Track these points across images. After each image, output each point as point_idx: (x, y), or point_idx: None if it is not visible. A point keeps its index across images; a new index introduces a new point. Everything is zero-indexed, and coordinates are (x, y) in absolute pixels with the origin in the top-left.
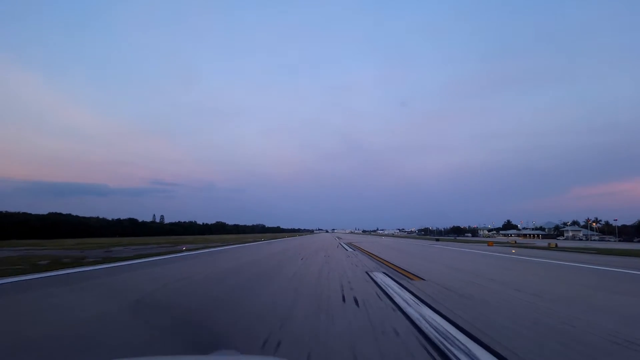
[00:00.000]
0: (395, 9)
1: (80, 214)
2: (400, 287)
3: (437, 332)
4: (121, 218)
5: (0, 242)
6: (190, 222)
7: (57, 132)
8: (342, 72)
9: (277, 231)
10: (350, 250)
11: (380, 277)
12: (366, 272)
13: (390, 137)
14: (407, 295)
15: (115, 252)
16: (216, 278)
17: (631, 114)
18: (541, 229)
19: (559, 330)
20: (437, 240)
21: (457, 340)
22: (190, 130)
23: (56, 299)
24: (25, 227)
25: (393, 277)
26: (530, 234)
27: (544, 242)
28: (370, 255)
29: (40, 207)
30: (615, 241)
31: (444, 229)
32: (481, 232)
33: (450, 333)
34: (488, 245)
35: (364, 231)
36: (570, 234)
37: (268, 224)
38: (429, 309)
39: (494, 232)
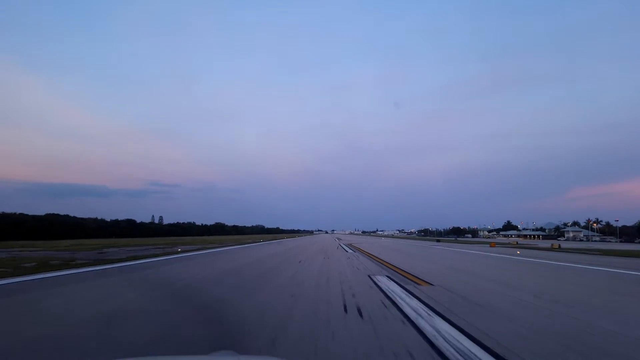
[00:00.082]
0: (395, 9)
1: (80, 215)
2: (407, 293)
3: (460, 355)
4: (119, 219)
5: None
6: (189, 223)
7: (56, 133)
8: (342, 73)
9: (276, 232)
10: (351, 251)
11: (384, 282)
12: (368, 276)
13: (390, 138)
14: (416, 304)
15: (109, 254)
16: (205, 283)
17: (631, 114)
18: (541, 229)
19: (610, 352)
20: (438, 241)
21: None
22: (189, 130)
23: (14, 308)
24: (22, 228)
25: (398, 281)
26: (530, 235)
27: (546, 243)
28: (372, 257)
29: (40, 208)
30: (616, 242)
31: (443, 229)
32: (481, 233)
33: (476, 356)
34: (490, 246)
35: (363, 232)
36: (571, 234)
37: (268, 225)
38: (444, 321)
39: (494, 232)
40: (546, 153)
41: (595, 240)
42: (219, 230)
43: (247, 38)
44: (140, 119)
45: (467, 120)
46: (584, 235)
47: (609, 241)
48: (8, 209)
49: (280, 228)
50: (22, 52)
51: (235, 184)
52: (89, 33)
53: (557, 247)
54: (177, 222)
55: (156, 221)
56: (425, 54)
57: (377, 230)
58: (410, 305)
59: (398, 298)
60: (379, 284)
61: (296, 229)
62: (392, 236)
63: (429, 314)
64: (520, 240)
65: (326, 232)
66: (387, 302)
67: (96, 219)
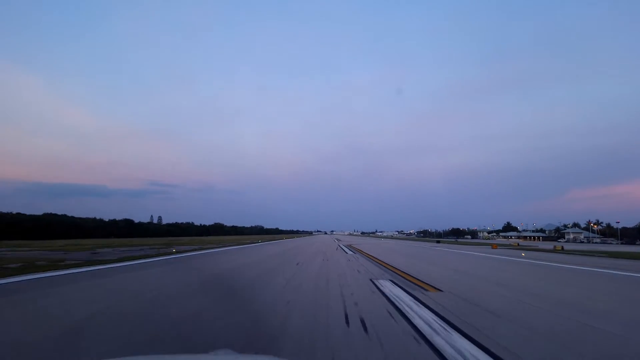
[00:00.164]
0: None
1: (80, 215)
2: (414, 300)
3: None
4: (117, 219)
5: None
6: (188, 223)
7: (56, 133)
8: (342, 74)
9: (275, 233)
10: (351, 253)
11: (388, 287)
12: (371, 280)
13: (389, 139)
14: (428, 314)
15: (101, 254)
16: (194, 288)
17: (631, 115)
18: (542, 231)
19: None
20: (438, 242)
21: None
22: (189, 131)
23: None
24: (19, 228)
25: (403, 286)
26: (530, 236)
27: (547, 245)
28: (372, 258)
29: (40, 208)
30: (617, 244)
31: (443, 230)
32: (481, 234)
33: None
34: (492, 247)
35: (362, 233)
36: (572, 236)
37: (267, 226)
38: (465, 339)
39: (494, 234)
40: (546, 154)
41: (595, 242)
42: (217, 231)
43: (246, 38)
44: (140, 119)
45: (467, 121)
46: (584, 237)
47: (610, 243)
48: (8, 209)
49: (280, 229)
50: (21, 52)
51: (235, 184)
52: (89, 33)
53: (559, 248)
54: (176, 223)
55: (155, 221)
56: (425, 55)
57: (376, 231)
58: (420, 316)
59: (405, 306)
60: (383, 289)
61: (295, 229)
62: (392, 237)
63: (445, 329)
64: (521, 242)
65: (325, 233)
66: (393, 311)
67: (94, 218)
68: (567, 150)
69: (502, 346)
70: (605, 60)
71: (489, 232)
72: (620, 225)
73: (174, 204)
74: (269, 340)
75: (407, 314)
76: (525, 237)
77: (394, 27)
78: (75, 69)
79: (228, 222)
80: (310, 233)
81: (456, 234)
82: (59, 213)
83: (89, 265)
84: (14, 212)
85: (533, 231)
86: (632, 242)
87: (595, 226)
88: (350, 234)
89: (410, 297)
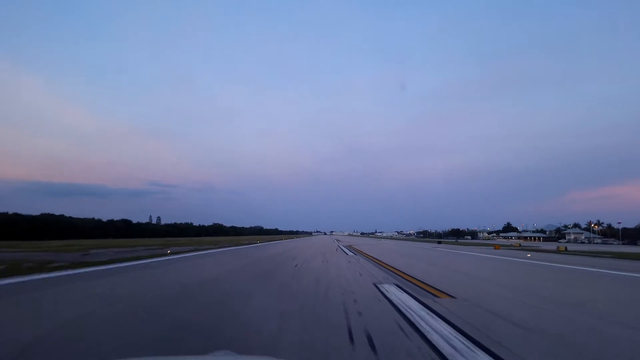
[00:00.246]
0: (394, 10)
1: (79, 215)
2: (426, 310)
3: None
4: (114, 219)
5: None
6: (187, 224)
7: (56, 133)
8: (341, 74)
9: (274, 233)
10: (351, 254)
11: (394, 293)
12: (374, 285)
13: (389, 139)
14: (444, 328)
15: (92, 256)
16: (179, 294)
17: (631, 115)
18: (542, 231)
19: None
20: (439, 242)
21: None
22: (188, 131)
23: None
24: (15, 229)
25: (410, 292)
26: (531, 237)
27: (549, 245)
28: (374, 260)
29: (39, 209)
30: (618, 244)
31: (442, 231)
32: (481, 235)
33: None
34: (495, 248)
35: (362, 233)
36: (572, 236)
37: (266, 226)
38: None
39: (494, 234)
40: (546, 154)
41: (597, 243)
42: (217, 231)
43: (245, 39)
44: (140, 119)
45: (466, 122)
46: (585, 238)
47: (611, 243)
48: (8, 209)
49: (279, 229)
50: (21, 52)
51: (235, 185)
52: (89, 33)
53: (563, 249)
54: (175, 223)
55: (154, 221)
56: (424, 55)
57: (375, 232)
58: (436, 329)
59: (417, 317)
60: (389, 295)
61: (295, 230)
62: (391, 237)
63: (469, 347)
64: (522, 242)
65: (325, 234)
66: (404, 324)
67: (92, 219)
68: (567, 150)
69: None
70: (604, 60)
71: (489, 233)
72: (620, 226)
73: (173, 204)
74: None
75: (420, 327)
76: (525, 238)
77: (394, 28)
78: (75, 68)
79: (227, 223)
80: (309, 234)
81: (456, 235)
82: (59, 213)
83: (71, 268)
84: (11, 212)
85: (533, 232)
86: (633, 243)
87: (596, 227)
88: (349, 235)
89: (420, 306)
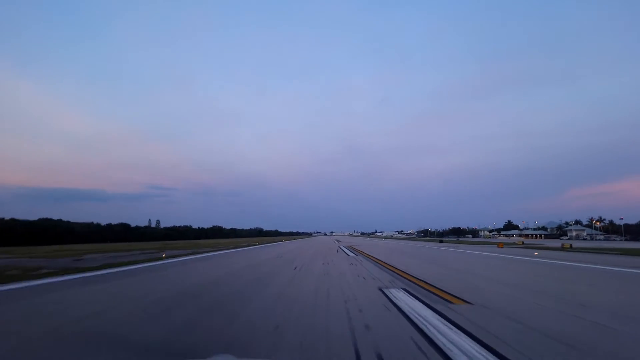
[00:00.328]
0: (393, 11)
1: (78, 220)
2: (443, 320)
3: None
4: (112, 223)
5: None
6: (186, 227)
7: (55, 137)
8: (341, 74)
9: (274, 234)
10: (352, 255)
11: (403, 300)
12: (380, 290)
13: (388, 139)
14: (467, 343)
15: (85, 261)
16: (165, 304)
17: (629, 112)
18: (543, 229)
19: None
20: (441, 241)
21: None
22: (189, 134)
23: None
24: (12, 234)
25: (420, 297)
26: (532, 234)
27: (552, 243)
28: (377, 261)
29: (39, 214)
30: (621, 240)
31: (443, 230)
32: (482, 233)
33: None
34: (498, 246)
35: (362, 233)
36: (574, 233)
37: (266, 228)
38: None
39: (495, 232)
40: (546, 152)
41: (599, 239)
42: (216, 234)
43: (245, 41)
44: (140, 123)
45: (466, 121)
46: (587, 234)
47: (614, 240)
48: (7, 215)
49: (279, 230)
50: (18, 55)
51: (234, 186)
52: (87, 37)
53: (568, 246)
54: (174, 226)
55: (153, 225)
56: (423, 55)
57: (375, 232)
58: (458, 345)
59: (434, 330)
60: (397, 302)
61: (295, 231)
62: (392, 237)
63: None
64: (524, 240)
65: (325, 234)
66: (419, 339)
67: (91, 223)
68: (566, 148)
69: None
70: (603, 59)
71: (490, 231)
72: (622, 222)
73: (173, 207)
74: None
75: (438, 342)
76: (526, 236)
77: (393, 28)
78: (73, 71)
79: (227, 225)
80: (309, 234)
81: (457, 234)
82: (58, 218)
83: (58, 275)
84: (8, 218)
85: (534, 229)
86: (635, 239)
87: (598, 223)
88: (349, 235)
89: (435, 315)
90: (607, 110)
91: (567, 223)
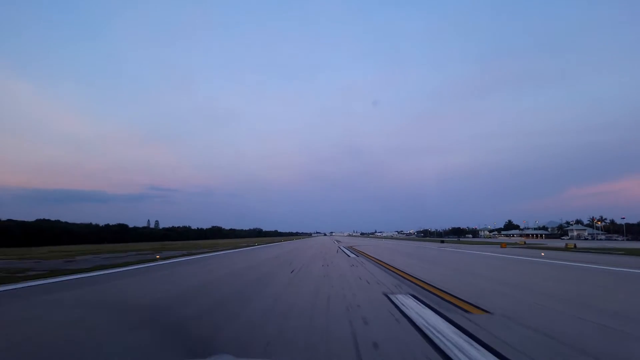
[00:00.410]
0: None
1: (78, 221)
2: (460, 333)
3: None
4: (111, 224)
5: None
6: (185, 227)
7: (55, 139)
8: (340, 75)
9: (274, 235)
10: (353, 256)
11: (413, 308)
12: (386, 296)
13: (388, 139)
14: None
15: (78, 263)
16: (135, 317)
17: (629, 112)
18: (544, 228)
19: None
20: (442, 242)
21: None
22: (188, 134)
23: None
24: (8, 235)
25: (432, 305)
26: (532, 234)
27: (554, 243)
28: (379, 262)
29: (39, 215)
30: (622, 240)
31: (443, 230)
32: (482, 233)
33: None
34: (501, 247)
35: (362, 234)
36: (575, 233)
37: (266, 228)
38: None
39: (495, 232)
40: (546, 152)
41: (600, 239)
42: (215, 234)
43: (244, 42)
44: (139, 123)
45: (465, 120)
46: (588, 234)
47: (615, 239)
48: (5, 216)
49: (279, 231)
50: (16, 56)
51: (234, 187)
52: (87, 38)
53: (572, 246)
54: (172, 227)
55: (152, 225)
56: (423, 55)
57: (375, 232)
58: None
59: (454, 348)
60: (407, 311)
61: (294, 231)
62: (392, 237)
63: None
64: (527, 240)
65: (324, 235)
66: (437, 359)
67: (89, 224)
68: (566, 147)
69: None
70: (603, 58)
71: (490, 231)
72: (624, 222)
73: (173, 208)
74: None
75: None
76: (527, 235)
77: (393, 28)
78: (71, 72)
79: (227, 225)
80: (309, 235)
81: (457, 233)
82: (56, 219)
83: (43, 278)
84: (5, 219)
85: (535, 229)
86: (637, 238)
87: (599, 222)
88: (349, 235)
89: (452, 328)
90: (607, 109)
91: (567, 223)
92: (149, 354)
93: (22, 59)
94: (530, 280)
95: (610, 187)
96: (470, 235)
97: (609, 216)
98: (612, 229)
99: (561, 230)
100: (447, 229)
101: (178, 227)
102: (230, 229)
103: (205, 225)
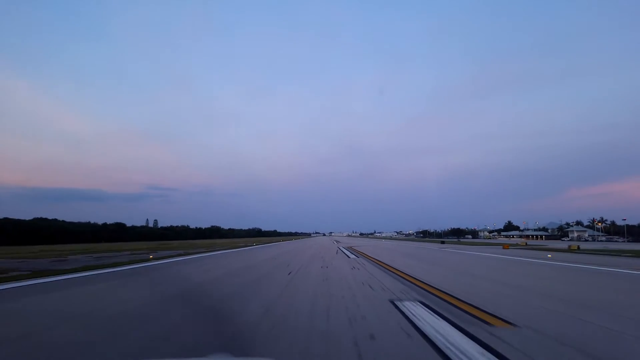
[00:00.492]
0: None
1: (77, 220)
2: (486, 352)
3: None
4: (109, 223)
5: None
6: (184, 227)
7: (53, 138)
8: (340, 75)
9: (273, 235)
10: (354, 257)
11: (424, 318)
12: (392, 304)
13: (388, 140)
14: None
15: (67, 262)
16: (109, 328)
17: (630, 112)
18: (544, 229)
19: None
20: (443, 242)
21: None
22: (188, 134)
23: None
24: (4, 233)
25: (446, 315)
26: (532, 235)
27: (557, 244)
28: (381, 264)
29: (37, 214)
30: (623, 241)
31: (442, 230)
32: (481, 234)
33: None
34: (503, 248)
35: (361, 234)
36: (576, 234)
37: (265, 228)
38: None
39: (495, 233)
40: (545, 153)
41: (601, 240)
42: (214, 234)
43: (243, 42)
44: (138, 123)
45: (465, 121)
46: (589, 235)
47: (616, 241)
48: (4, 215)
49: (278, 231)
50: (16, 55)
51: (233, 187)
52: (86, 37)
53: (575, 248)
54: (171, 226)
55: (150, 225)
56: (423, 55)
57: (374, 232)
58: None
59: None
60: (418, 323)
61: (293, 231)
62: (391, 238)
63: None
64: (527, 241)
65: (324, 235)
66: None
67: (87, 223)
68: (566, 148)
69: None
70: (603, 58)
71: (490, 232)
72: (625, 223)
73: (172, 207)
74: None
75: None
76: (527, 236)
77: (393, 29)
78: (71, 71)
79: (226, 225)
80: (308, 235)
81: (457, 234)
82: (53, 218)
83: (20, 280)
84: (3, 217)
85: (535, 230)
86: (638, 240)
87: (600, 224)
88: (348, 235)
89: (476, 346)
90: (607, 110)
91: (568, 224)
92: None
93: (21, 57)
94: (549, 285)
95: (611, 188)
96: (470, 236)
97: (609, 217)
98: (613, 230)
99: (561, 232)
100: (446, 229)
101: (176, 226)
102: (229, 229)
103: (205, 224)
